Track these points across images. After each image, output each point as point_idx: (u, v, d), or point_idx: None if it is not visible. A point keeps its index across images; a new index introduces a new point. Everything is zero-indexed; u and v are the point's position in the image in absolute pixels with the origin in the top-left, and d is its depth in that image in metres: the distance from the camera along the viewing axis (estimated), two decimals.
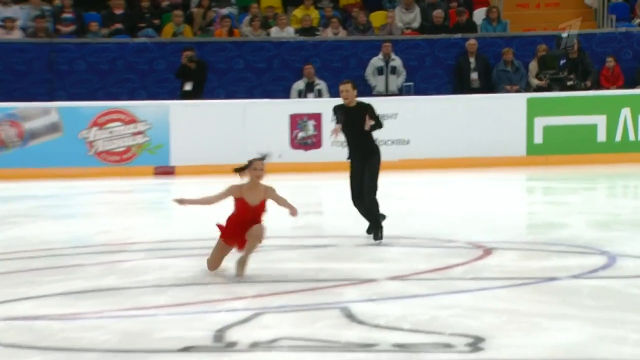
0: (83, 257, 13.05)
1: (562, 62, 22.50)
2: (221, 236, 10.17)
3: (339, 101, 21.61)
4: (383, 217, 12.83)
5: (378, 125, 12.52)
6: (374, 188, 12.84)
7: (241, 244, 10.03)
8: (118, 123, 21.18)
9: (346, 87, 12.53)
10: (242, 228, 9.99)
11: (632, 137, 21.23)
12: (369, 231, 12.96)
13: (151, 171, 21.17)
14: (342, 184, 19.26)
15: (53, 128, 21.14)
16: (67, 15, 24.21)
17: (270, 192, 10.16)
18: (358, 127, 12.41)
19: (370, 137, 12.70)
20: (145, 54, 23.54)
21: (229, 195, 10.19)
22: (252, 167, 9.98)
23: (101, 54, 23.48)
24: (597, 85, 22.70)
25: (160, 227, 16.44)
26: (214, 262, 10.37)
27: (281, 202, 10.24)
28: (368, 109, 12.44)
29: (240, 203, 10.05)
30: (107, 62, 23.43)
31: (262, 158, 10.06)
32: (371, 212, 12.83)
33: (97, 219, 17.25)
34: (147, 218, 17.53)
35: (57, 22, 24.01)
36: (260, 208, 10.06)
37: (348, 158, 12.97)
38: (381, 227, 12.68)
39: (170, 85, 22.58)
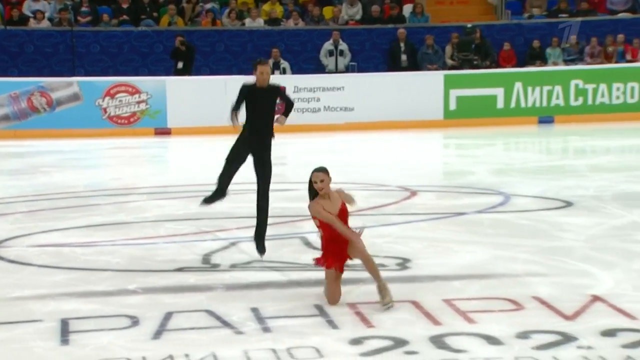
0: (99, 198, 13.04)
1: (472, 46, 22.60)
2: (326, 266, 7.09)
3: (299, 78, 21.67)
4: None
5: (289, 105, 9.20)
6: (268, 188, 9.12)
7: (341, 264, 7.12)
8: (125, 94, 21.00)
9: (266, 69, 8.80)
10: (338, 245, 7.06)
11: (523, 104, 21.34)
12: (259, 239, 8.96)
13: (152, 132, 21.01)
14: (300, 141, 19.31)
15: (74, 97, 20.94)
16: (85, 8, 23.91)
17: (342, 194, 7.25)
18: (265, 110, 8.86)
19: (272, 125, 8.92)
20: (146, 39, 23.35)
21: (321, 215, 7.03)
22: (313, 180, 7.14)
23: (111, 39, 23.26)
24: (496, 65, 22.79)
25: (159, 175, 16.39)
26: (333, 295, 7.14)
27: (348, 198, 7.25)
28: (279, 92, 9.01)
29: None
30: (116, 46, 23.21)
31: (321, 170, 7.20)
32: (266, 212, 9.10)
33: (109, 168, 17.19)
34: (148, 168, 17.48)
35: (76, 14, 23.72)
36: (343, 213, 7.09)
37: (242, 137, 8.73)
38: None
39: (166, 64, 22.39)
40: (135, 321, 6.97)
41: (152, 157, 19.02)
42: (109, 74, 22.28)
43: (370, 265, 6.95)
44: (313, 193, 7.14)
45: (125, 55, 23.24)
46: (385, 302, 6.87)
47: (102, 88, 20.97)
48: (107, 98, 20.94)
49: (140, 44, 23.31)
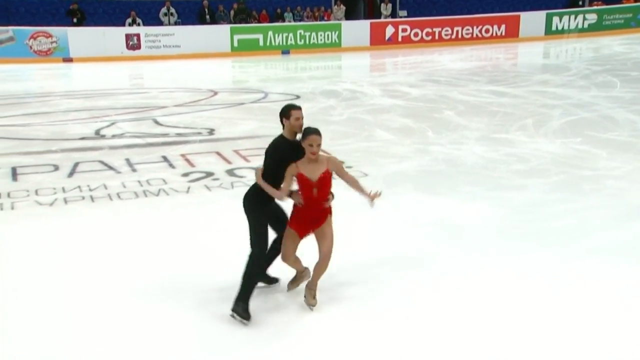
0: (30, 98, 11.63)
1: (252, 11, 21.70)
2: (288, 224, 3.54)
3: (149, 29, 19.99)
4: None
5: None
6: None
7: (302, 232, 3.52)
8: (43, 37, 18.59)
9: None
10: (308, 214, 3.49)
11: (274, 43, 20.84)
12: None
13: (61, 60, 18.81)
14: (150, 66, 18.04)
15: (10, 39, 18.35)
16: None
17: (333, 163, 3.48)
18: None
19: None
20: (54, 4, 20.68)
21: (291, 176, 3.45)
22: (309, 143, 3.43)
23: (31, 4, 20.40)
24: (258, 21, 21.98)
25: (67, 84, 14.85)
26: (288, 253, 3.56)
27: (348, 179, 3.52)
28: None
29: (300, 179, 3.45)
30: (35, 8, 20.39)
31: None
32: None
33: (36, 82, 15.34)
34: (60, 80, 15.79)
35: None
36: (325, 180, 3.44)
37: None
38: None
39: (67, 20, 19.98)
40: (56, 167, 6.47)
41: (62, 74, 17.14)
42: (32, 25, 19.57)
43: (321, 264, 3.53)
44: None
45: (42, 14, 20.48)
46: (310, 302, 3.61)
47: (28, 33, 18.49)
48: (31, 39, 18.49)
49: (51, 7, 20.59)
